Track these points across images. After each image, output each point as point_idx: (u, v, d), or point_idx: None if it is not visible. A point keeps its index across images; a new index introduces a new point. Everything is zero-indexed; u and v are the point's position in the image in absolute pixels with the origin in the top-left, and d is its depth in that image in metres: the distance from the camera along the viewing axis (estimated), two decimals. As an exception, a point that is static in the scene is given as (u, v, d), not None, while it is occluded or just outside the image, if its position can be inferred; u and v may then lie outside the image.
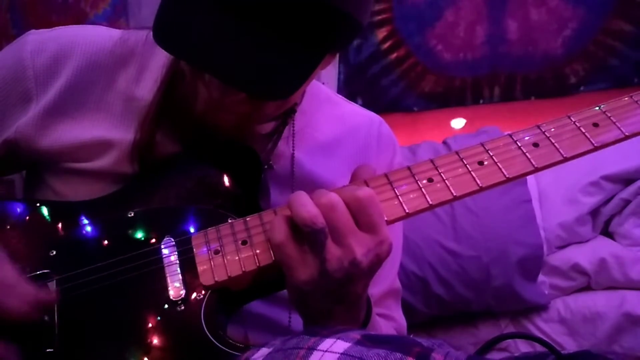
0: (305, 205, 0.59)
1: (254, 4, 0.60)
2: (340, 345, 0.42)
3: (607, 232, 1.99)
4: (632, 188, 1.90)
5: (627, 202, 1.91)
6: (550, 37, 2.27)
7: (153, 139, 0.74)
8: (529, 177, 2.04)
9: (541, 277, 1.90)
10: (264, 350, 0.45)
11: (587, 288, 1.90)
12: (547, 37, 2.27)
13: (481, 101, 2.40)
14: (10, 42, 0.80)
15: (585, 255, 1.88)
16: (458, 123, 2.45)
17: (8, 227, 0.71)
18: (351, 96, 2.40)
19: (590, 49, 2.25)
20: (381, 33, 2.36)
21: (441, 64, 2.37)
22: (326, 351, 0.42)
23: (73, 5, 2.33)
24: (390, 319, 0.88)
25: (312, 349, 0.42)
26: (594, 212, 1.96)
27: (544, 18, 2.26)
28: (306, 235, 0.59)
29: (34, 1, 2.35)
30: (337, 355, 0.41)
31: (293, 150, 0.80)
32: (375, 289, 0.83)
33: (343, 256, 0.59)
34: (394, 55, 2.38)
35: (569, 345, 1.79)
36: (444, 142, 2.16)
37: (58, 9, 2.34)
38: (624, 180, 1.92)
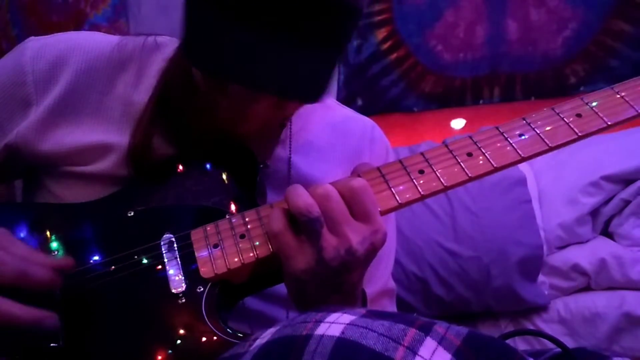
0: (301, 196, 0.61)
1: (277, 14, 0.61)
2: (346, 317, 0.44)
3: (607, 233, 1.99)
4: (632, 188, 1.90)
5: (627, 203, 1.91)
6: (550, 37, 2.28)
7: (149, 142, 0.74)
8: (528, 178, 2.04)
9: (541, 278, 1.90)
10: (272, 330, 0.46)
11: (587, 288, 1.90)
12: (547, 37, 2.28)
13: (481, 101, 2.40)
14: (10, 43, 0.81)
15: (585, 255, 1.88)
16: (458, 123, 2.46)
17: (9, 230, 0.71)
18: (351, 96, 2.40)
19: (590, 49, 2.26)
20: (381, 33, 2.37)
21: (441, 64, 2.38)
22: (333, 322, 0.43)
23: (73, 5, 2.34)
24: None
25: (319, 322, 0.44)
26: (594, 213, 1.96)
27: (543, 18, 2.27)
28: (302, 224, 0.61)
29: (34, 1, 2.35)
30: (344, 325, 0.42)
31: (290, 153, 0.82)
32: (369, 289, 0.84)
33: (339, 245, 0.60)
34: (394, 55, 2.39)
35: (569, 345, 1.79)
36: (444, 143, 2.16)
37: (58, 9, 2.34)
38: (624, 180, 1.92)
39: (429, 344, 0.38)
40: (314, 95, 0.65)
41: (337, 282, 0.62)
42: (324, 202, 0.61)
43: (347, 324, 0.42)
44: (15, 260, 0.60)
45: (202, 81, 0.70)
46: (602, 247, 1.90)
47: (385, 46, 2.38)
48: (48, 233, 0.71)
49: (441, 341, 0.39)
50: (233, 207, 0.71)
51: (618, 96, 0.71)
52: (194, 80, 0.72)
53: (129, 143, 0.74)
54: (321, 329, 0.42)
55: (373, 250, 0.62)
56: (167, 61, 0.77)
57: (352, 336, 0.40)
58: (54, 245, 0.70)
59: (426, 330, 0.40)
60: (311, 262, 0.61)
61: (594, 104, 0.70)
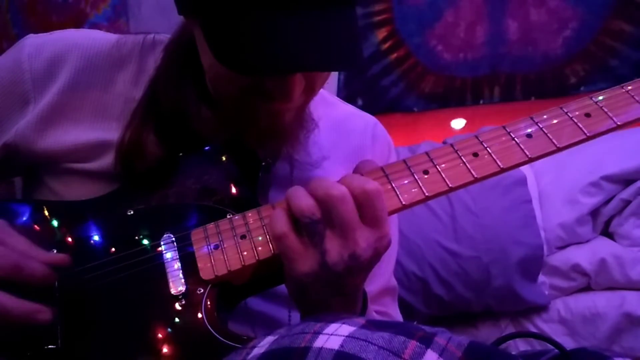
0: (303, 197, 0.60)
1: None
2: (345, 329, 0.43)
3: (607, 233, 1.99)
4: (632, 188, 1.90)
5: (627, 203, 1.91)
6: (550, 37, 2.27)
7: (140, 140, 0.74)
8: (529, 178, 2.04)
9: (541, 278, 1.90)
10: (269, 338, 0.45)
11: (587, 288, 1.91)
12: (547, 37, 2.28)
13: (481, 101, 2.40)
14: (10, 43, 0.81)
15: (585, 255, 1.88)
16: (458, 123, 2.45)
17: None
18: (351, 96, 2.40)
19: (590, 49, 2.26)
20: (381, 33, 2.36)
21: (441, 64, 2.38)
22: (332, 334, 0.42)
23: (73, 5, 2.33)
24: (386, 316, 0.88)
25: (318, 333, 0.43)
26: (594, 213, 1.96)
27: (544, 18, 2.27)
28: (305, 227, 0.60)
29: (34, 1, 2.35)
30: (343, 337, 0.42)
31: (292, 150, 0.80)
32: (371, 287, 0.84)
33: (343, 249, 0.59)
34: (394, 55, 2.38)
35: (569, 345, 1.79)
36: (444, 143, 2.16)
37: (58, 9, 2.34)
38: (624, 180, 1.92)
39: (430, 356, 0.38)
40: (357, 58, 0.63)
41: (340, 285, 0.61)
42: (338, 205, 0.59)
43: (347, 336, 0.41)
44: (12, 252, 0.60)
45: (234, 89, 0.68)
46: (602, 247, 1.90)
47: (385, 46, 2.37)
48: (46, 230, 0.70)
49: (442, 353, 0.38)
50: (234, 207, 0.70)
51: (628, 95, 0.68)
52: (213, 88, 0.71)
53: (117, 140, 0.74)
54: (320, 341, 0.41)
55: (377, 256, 0.61)
56: (154, 69, 0.76)
57: (351, 349, 0.40)
58: (51, 242, 0.69)
59: (427, 342, 0.39)
60: (314, 266, 0.60)
61: (603, 102, 0.68)
